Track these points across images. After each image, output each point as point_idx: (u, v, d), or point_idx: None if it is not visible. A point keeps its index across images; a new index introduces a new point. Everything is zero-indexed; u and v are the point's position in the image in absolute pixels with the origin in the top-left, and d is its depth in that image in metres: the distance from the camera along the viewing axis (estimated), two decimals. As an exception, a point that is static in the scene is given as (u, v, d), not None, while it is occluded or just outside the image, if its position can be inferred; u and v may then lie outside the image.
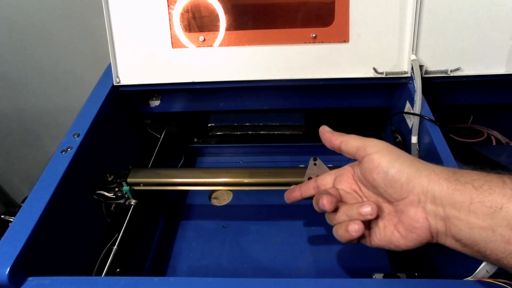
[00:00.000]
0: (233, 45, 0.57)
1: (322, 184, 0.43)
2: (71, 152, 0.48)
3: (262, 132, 0.68)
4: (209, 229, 0.60)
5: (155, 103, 0.66)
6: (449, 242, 0.32)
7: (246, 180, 0.52)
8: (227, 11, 0.56)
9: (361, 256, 0.54)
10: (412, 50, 0.56)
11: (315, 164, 0.47)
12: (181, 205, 0.65)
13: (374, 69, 0.57)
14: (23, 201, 0.44)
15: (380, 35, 0.56)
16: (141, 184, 0.53)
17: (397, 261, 0.53)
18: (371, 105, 0.65)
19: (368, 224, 0.37)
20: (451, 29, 0.55)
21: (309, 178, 0.47)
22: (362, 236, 0.37)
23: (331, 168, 0.47)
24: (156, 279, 0.37)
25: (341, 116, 0.74)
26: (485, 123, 0.72)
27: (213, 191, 0.67)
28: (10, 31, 0.92)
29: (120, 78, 0.60)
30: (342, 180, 0.41)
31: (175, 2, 0.56)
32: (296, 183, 0.50)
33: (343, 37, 0.56)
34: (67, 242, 0.47)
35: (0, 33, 0.92)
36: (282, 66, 0.58)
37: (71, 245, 0.48)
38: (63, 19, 0.89)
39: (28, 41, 0.93)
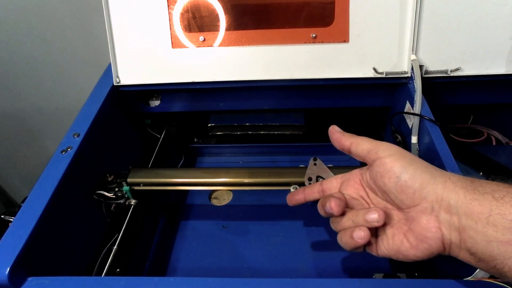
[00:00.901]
0: (233, 45, 0.57)
1: (327, 188, 0.42)
2: (71, 152, 0.48)
3: (262, 132, 0.68)
4: (209, 229, 0.60)
5: (155, 103, 0.66)
6: (463, 255, 0.30)
7: (246, 180, 0.52)
8: (227, 11, 0.56)
9: (361, 256, 0.54)
10: (412, 50, 0.56)
11: (315, 164, 0.47)
12: (181, 205, 0.65)
13: (374, 69, 0.57)
14: (23, 201, 0.44)
15: (380, 35, 0.56)
16: (141, 184, 0.53)
17: (397, 261, 0.53)
18: (371, 105, 0.65)
19: (375, 232, 0.36)
20: (451, 29, 0.55)
21: (309, 178, 0.47)
22: (368, 244, 0.36)
23: (331, 168, 0.47)
24: (156, 279, 0.37)
25: (341, 116, 0.74)
26: (485, 123, 0.72)
27: (213, 191, 0.67)
28: (9, 31, 0.92)
29: (120, 78, 0.60)
30: (348, 185, 0.40)
31: (175, 2, 0.56)
32: (296, 183, 0.50)
33: (343, 37, 0.56)
34: (67, 242, 0.47)
35: (0, 33, 0.92)
36: (282, 66, 0.58)
37: (71, 245, 0.48)
38: (63, 19, 0.89)
39: (28, 41, 0.93)
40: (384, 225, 0.35)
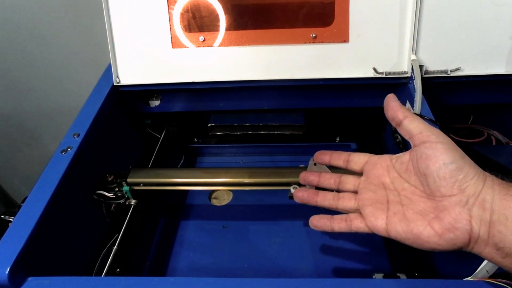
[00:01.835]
0: (233, 45, 0.57)
1: (353, 160, 0.42)
2: (71, 152, 0.48)
3: (262, 132, 0.68)
4: (209, 229, 0.60)
5: (155, 103, 0.66)
6: (488, 251, 0.31)
7: (246, 180, 0.52)
8: (227, 11, 0.56)
9: (361, 256, 0.54)
10: (412, 50, 0.56)
11: (315, 164, 0.47)
12: (181, 205, 0.65)
13: (374, 69, 0.57)
14: (23, 201, 0.44)
15: (380, 35, 0.56)
16: (141, 184, 0.53)
17: (397, 261, 0.53)
18: (371, 105, 0.65)
19: (387, 207, 0.36)
20: (451, 29, 0.55)
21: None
22: (373, 222, 0.36)
23: (330, 169, 0.47)
24: (156, 279, 0.37)
25: (341, 116, 0.74)
26: (485, 123, 0.72)
27: (213, 191, 0.67)
28: (9, 31, 0.91)
29: (120, 78, 0.60)
30: (374, 168, 0.40)
31: (175, 2, 0.56)
32: (296, 183, 0.50)
33: (343, 37, 0.56)
34: (67, 242, 0.47)
35: (0, 33, 0.92)
36: (282, 66, 0.58)
37: (71, 245, 0.48)
38: (63, 19, 0.89)
39: (28, 41, 0.93)
40: (405, 208, 0.35)
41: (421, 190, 0.35)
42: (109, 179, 0.54)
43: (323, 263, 0.54)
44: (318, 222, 0.40)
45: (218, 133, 0.69)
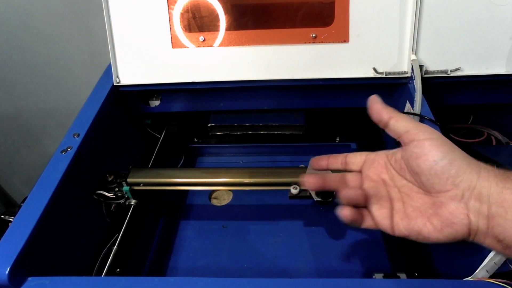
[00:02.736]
0: (233, 45, 0.57)
1: (351, 161, 0.41)
2: (71, 152, 0.48)
3: (262, 132, 0.68)
4: (209, 229, 0.60)
5: (155, 103, 0.66)
6: (489, 242, 0.31)
7: (246, 180, 0.52)
8: (227, 11, 0.56)
9: (361, 256, 0.54)
10: (412, 50, 0.56)
11: None
12: (181, 205, 0.65)
13: (374, 69, 0.57)
14: (23, 201, 0.44)
15: (380, 35, 0.56)
16: (141, 184, 0.53)
17: (397, 261, 0.53)
18: (371, 105, 0.65)
19: (390, 211, 0.36)
20: (451, 29, 0.55)
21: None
22: (382, 221, 0.36)
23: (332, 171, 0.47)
24: (156, 279, 0.37)
25: (341, 116, 0.74)
26: (485, 123, 0.72)
27: (213, 191, 0.67)
28: (9, 31, 0.91)
29: (120, 78, 0.60)
30: (372, 166, 0.39)
31: (175, 2, 0.56)
32: (296, 183, 0.50)
33: (343, 37, 0.56)
34: (67, 242, 0.47)
35: (0, 34, 0.92)
36: (282, 66, 0.58)
37: (71, 245, 0.48)
38: (62, 19, 0.89)
39: (27, 41, 0.93)
40: (405, 206, 0.35)
41: (417, 187, 0.35)
42: (109, 179, 0.54)
43: (323, 263, 0.54)
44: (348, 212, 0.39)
45: (218, 133, 0.69)
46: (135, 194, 0.53)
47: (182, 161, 0.72)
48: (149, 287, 0.36)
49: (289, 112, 0.68)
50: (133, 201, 0.53)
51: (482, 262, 0.35)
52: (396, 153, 0.38)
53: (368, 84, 0.58)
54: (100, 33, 0.89)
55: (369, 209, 0.38)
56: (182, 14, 0.57)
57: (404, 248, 0.53)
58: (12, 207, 1.29)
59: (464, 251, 0.40)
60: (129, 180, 0.53)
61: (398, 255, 0.53)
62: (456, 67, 0.56)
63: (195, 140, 0.75)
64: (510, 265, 0.35)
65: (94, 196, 0.53)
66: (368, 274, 0.51)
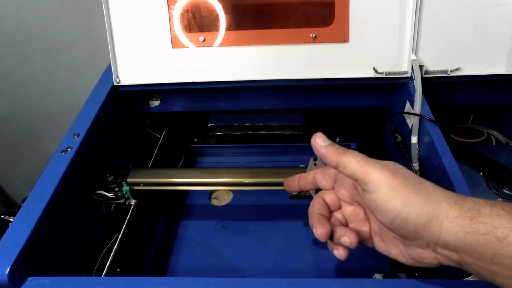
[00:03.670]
0: (233, 45, 0.57)
1: (321, 184, 0.40)
2: (71, 152, 0.48)
3: (262, 132, 0.68)
4: (209, 229, 0.60)
5: (155, 103, 0.66)
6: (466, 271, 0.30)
7: (246, 180, 0.52)
8: (227, 11, 0.56)
9: (361, 256, 0.54)
10: (412, 50, 0.56)
11: (315, 164, 0.47)
12: (181, 205, 0.65)
13: (374, 69, 0.57)
14: (23, 201, 0.44)
15: (380, 35, 0.56)
16: (141, 184, 0.53)
17: (397, 261, 0.53)
18: (371, 105, 0.65)
19: (369, 231, 0.36)
20: (451, 29, 0.55)
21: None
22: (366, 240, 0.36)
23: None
24: (156, 279, 0.37)
25: (341, 116, 0.74)
26: (485, 123, 0.72)
27: (213, 191, 0.67)
28: (9, 31, 0.91)
29: (120, 78, 0.60)
30: (343, 186, 0.38)
31: (175, 2, 0.56)
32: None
33: (343, 37, 0.56)
34: (67, 242, 0.47)
35: (0, 34, 0.92)
36: (282, 66, 0.58)
37: (71, 245, 0.48)
38: (62, 19, 0.89)
39: (27, 41, 0.93)
40: (381, 230, 0.35)
41: None
42: (109, 179, 0.54)
43: (323, 263, 0.54)
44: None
45: (218, 133, 0.69)
46: (135, 194, 0.53)
47: (182, 161, 0.72)
48: (149, 287, 0.36)
49: (289, 112, 0.68)
50: (133, 201, 0.53)
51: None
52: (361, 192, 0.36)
53: (368, 84, 0.58)
54: (100, 33, 0.89)
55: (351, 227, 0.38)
56: (182, 14, 0.57)
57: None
58: (12, 207, 1.29)
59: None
60: (129, 180, 0.53)
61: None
62: (456, 67, 0.56)
63: (195, 140, 0.75)
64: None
65: (94, 196, 0.53)
66: (368, 274, 0.51)
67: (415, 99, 0.53)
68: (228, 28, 0.57)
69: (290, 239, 0.57)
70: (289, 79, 0.58)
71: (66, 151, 0.48)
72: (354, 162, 0.32)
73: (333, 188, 0.40)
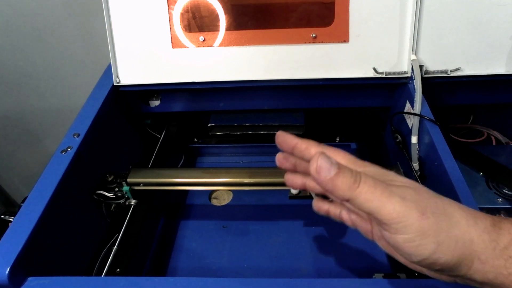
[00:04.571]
0: (233, 45, 0.57)
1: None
2: (71, 152, 0.48)
3: (262, 132, 0.68)
4: (209, 229, 0.60)
5: (155, 103, 0.66)
6: None
7: (246, 180, 0.52)
8: (227, 11, 0.56)
9: (361, 256, 0.54)
10: (412, 50, 0.56)
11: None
12: (181, 205, 0.65)
13: (374, 69, 0.57)
14: (23, 201, 0.44)
15: (380, 35, 0.56)
16: (141, 184, 0.53)
17: (397, 261, 0.53)
18: (371, 105, 0.65)
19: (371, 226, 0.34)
20: (451, 29, 0.55)
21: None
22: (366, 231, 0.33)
23: None
24: (156, 279, 0.37)
25: (341, 116, 0.74)
26: (485, 123, 0.72)
27: (213, 191, 0.67)
28: (9, 31, 0.91)
29: (120, 78, 0.60)
30: None
31: (175, 2, 0.56)
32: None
33: (343, 37, 0.56)
34: (67, 242, 0.47)
35: (0, 34, 0.92)
36: (282, 66, 0.58)
37: (71, 245, 0.48)
38: (62, 19, 0.89)
39: (27, 41, 0.93)
40: (383, 238, 0.32)
41: None
42: (109, 179, 0.54)
43: (323, 263, 0.54)
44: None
45: (218, 133, 0.69)
46: (135, 194, 0.53)
47: (182, 161, 0.72)
48: (149, 287, 0.36)
49: (289, 112, 0.68)
50: (133, 201, 0.53)
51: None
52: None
53: (368, 84, 0.58)
54: (100, 33, 0.89)
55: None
56: (182, 14, 0.57)
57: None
58: (12, 207, 1.29)
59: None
60: (129, 180, 0.53)
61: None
62: (456, 67, 0.56)
63: (195, 140, 0.75)
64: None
65: (94, 196, 0.53)
66: (368, 274, 0.51)
67: (415, 99, 0.53)
68: (228, 28, 0.57)
69: (290, 239, 0.57)
70: (289, 79, 0.58)
71: (66, 151, 0.48)
72: (370, 196, 0.26)
73: None
